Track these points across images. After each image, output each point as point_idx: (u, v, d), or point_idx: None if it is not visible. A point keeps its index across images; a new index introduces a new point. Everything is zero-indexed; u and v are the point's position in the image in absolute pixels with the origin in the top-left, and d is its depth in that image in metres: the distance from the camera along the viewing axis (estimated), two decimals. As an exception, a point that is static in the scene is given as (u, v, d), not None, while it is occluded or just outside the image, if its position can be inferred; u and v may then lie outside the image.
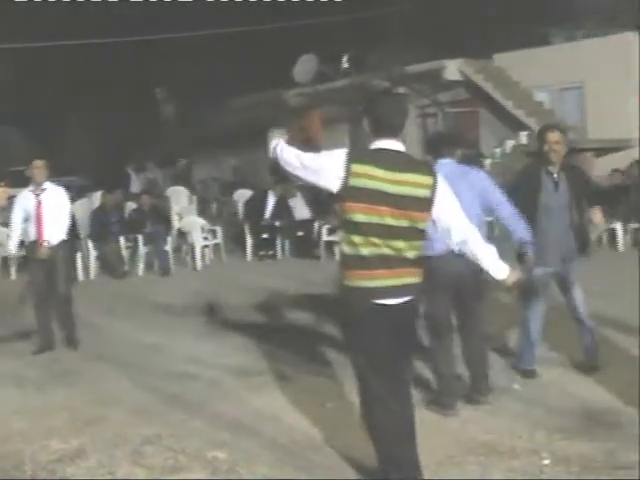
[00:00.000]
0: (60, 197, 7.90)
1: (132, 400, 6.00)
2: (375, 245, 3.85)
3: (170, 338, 7.99)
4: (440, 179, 4.00)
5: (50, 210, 7.73)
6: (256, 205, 14.91)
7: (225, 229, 15.05)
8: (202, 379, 6.49)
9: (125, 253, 13.21)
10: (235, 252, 14.66)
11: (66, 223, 7.88)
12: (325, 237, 13.64)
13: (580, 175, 6.24)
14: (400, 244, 3.87)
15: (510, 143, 19.07)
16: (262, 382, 6.31)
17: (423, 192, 3.91)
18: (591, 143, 17.54)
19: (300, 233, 14.31)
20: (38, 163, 7.82)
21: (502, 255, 4.15)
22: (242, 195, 17.42)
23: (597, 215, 6.30)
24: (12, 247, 8.05)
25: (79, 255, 12.32)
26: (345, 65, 22.36)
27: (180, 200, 17.85)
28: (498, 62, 20.52)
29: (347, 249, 3.94)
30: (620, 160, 16.38)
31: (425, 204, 3.92)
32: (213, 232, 14.38)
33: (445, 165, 5.32)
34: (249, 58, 23.21)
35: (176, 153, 26.01)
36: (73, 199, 9.88)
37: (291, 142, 4.16)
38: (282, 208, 14.63)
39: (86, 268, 12.72)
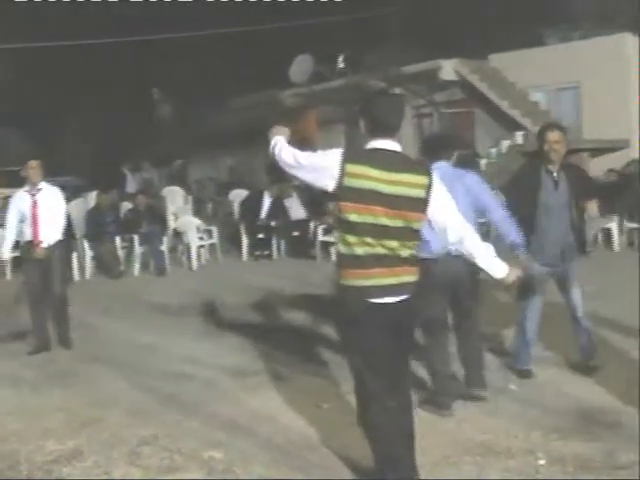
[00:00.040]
0: (56, 197, 7.89)
1: (128, 400, 5.99)
2: (369, 245, 3.86)
3: (166, 338, 7.98)
4: (436, 179, 4.01)
5: (46, 210, 7.73)
6: (252, 205, 14.90)
7: (221, 229, 15.05)
8: (198, 379, 6.49)
9: (121, 253, 13.20)
10: (231, 252, 14.66)
11: (62, 223, 7.87)
12: (321, 237, 13.64)
13: (580, 174, 6.25)
14: (394, 243, 3.87)
15: (506, 143, 19.09)
16: (258, 382, 6.31)
17: (418, 192, 3.91)
18: (587, 143, 17.56)
19: (296, 233, 14.31)
20: (33, 163, 7.81)
21: (499, 255, 4.16)
22: (238, 195, 17.43)
23: (593, 207, 6.31)
24: (5, 251, 8.01)
25: (75, 255, 12.33)
26: (341, 65, 22.37)
27: (176, 200, 17.86)
28: (494, 62, 20.53)
29: (342, 248, 3.95)
30: (616, 160, 16.41)
31: (420, 204, 3.92)
32: (209, 232, 14.38)
33: (440, 168, 5.32)
34: (249, 58, 23.22)
35: (172, 153, 26.01)
36: (68, 199, 9.88)
37: (288, 142, 4.17)
38: (278, 208, 14.64)
39: (82, 268, 12.71)
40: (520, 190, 5.88)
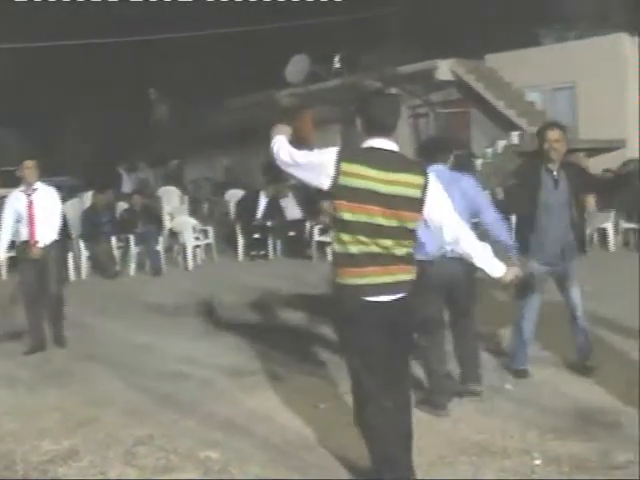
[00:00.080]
0: (51, 197, 7.88)
1: (124, 400, 5.98)
2: (363, 243, 3.86)
3: (162, 338, 7.97)
4: (432, 179, 4.00)
5: (42, 210, 7.71)
6: (248, 205, 14.89)
7: (217, 229, 15.03)
8: (194, 379, 6.48)
9: (117, 253, 13.19)
10: (227, 252, 14.64)
11: (58, 223, 7.86)
12: (317, 237, 13.63)
13: (579, 170, 6.26)
14: (388, 242, 3.88)
15: (501, 143, 19.12)
16: (255, 382, 6.30)
17: (414, 192, 3.91)
18: (583, 143, 17.59)
19: (292, 233, 14.31)
20: (29, 163, 7.79)
21: (495, 256, 4.16)
22: (234, 195, 17.42)
23: (590, 202, 6.32)
24: (1, 251, 7.83)
25: (70, 255, 12.29)
26: (337, 65, 22.37)
27: (172, 200, 17.83)
28: (490, 62, 20.58)
29: (337, 247, 3.95)
30: (612, 160, 16.44)
31: (416, 204, 3.92)
32: (205, 232, 14.36)
33: (437, 171, 5.31)
34: (248, 58, 23.21)
35: (168, 153, 25.97)
36: (64, 199, 9.85)
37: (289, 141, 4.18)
38: (274, 208, 14.63)
39: (77, 268, 12.69)
40: (521, 189, 5.88)
